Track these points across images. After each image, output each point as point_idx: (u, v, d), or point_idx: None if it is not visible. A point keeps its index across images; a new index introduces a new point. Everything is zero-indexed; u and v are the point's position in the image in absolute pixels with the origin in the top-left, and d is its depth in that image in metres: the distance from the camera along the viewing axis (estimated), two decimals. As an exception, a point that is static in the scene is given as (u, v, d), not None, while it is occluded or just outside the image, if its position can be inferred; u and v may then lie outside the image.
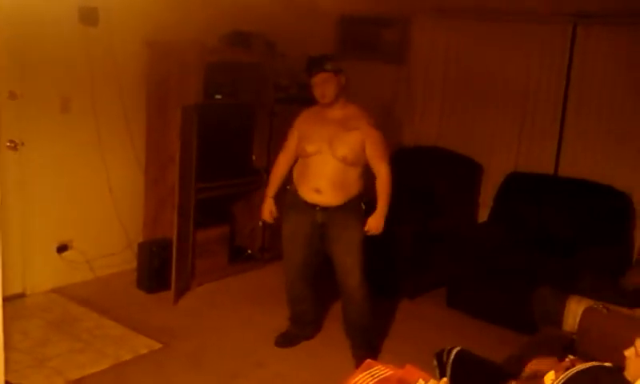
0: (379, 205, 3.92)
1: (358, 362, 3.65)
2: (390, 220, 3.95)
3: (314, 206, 3.91)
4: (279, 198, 4.19)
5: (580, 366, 2.38)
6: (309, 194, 3.92)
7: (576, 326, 3.20)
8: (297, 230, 4.02)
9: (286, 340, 4.25)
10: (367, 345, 4.08)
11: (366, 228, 3.90)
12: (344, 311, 4.12)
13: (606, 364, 2.39)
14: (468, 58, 5.67)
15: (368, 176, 3.96)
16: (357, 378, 2.36)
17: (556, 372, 2.42)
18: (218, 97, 5.10)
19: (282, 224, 4.13)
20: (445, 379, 2.40)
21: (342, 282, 4.01)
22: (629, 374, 2.31)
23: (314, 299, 4.29)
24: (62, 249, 4.80)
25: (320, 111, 3.98)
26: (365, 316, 4.03)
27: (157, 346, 4.07)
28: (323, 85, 3.85)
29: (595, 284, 3.86)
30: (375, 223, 3.91)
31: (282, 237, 4.14)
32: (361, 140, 3.85)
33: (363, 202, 3.95)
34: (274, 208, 4.18)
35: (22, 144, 4.42)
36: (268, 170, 5.41)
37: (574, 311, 3.30)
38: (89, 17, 4.58)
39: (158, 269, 4.83)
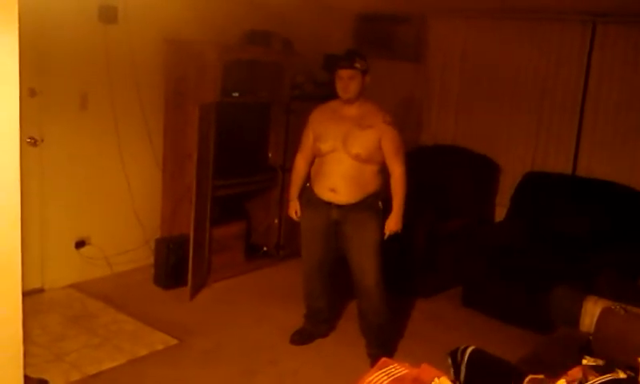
0: (395, 205, 3.91)
1: (373, 360, 3.65)
2: (406, 219, 3.94)
3: (329, 204, 3.92)
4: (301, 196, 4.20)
5: (595, 380, 2.34)
6: (325, 193, 3.92)
7: (593, 327, 3.16)
8: (313, 225, 4.04)
9: (301, 337, 4.26)
10: (382, 344, 4.06)
11: (386, 230, 3.90)
12: (360, 310, 4.11)
13: (621, 375, 2.35)
14: (485, 56, 5.64)
15: (386, 174, 3.96)
16: (372, 377, 2.36)
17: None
18: (236, 95, 5.12)
19: (300, 220, 4.16)
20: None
21: (358, 282, 4.00)
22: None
23: (329, 296, 4.29)
24: (80, 244, 4.85)
25: (335, 108, 3.98)
26: (381, 315, 4.02)
27: (173, 341, 4.10)
28: (348, 80, 3.84)
29: (613, 285, 3.82)
30: (394, 224, 3.91)
31: (300, 232, 4.16)
32: (376, 138, 3.83)
33: (380, 200, 3.93)
34: (298, 208, 4.18)
35: (42, 140, 4.46)
36: (284, 168, 5.45)
37: (591, 312, 3.26)
38: (108, 15, 4.62)
39: (174, 265, 4.86)
